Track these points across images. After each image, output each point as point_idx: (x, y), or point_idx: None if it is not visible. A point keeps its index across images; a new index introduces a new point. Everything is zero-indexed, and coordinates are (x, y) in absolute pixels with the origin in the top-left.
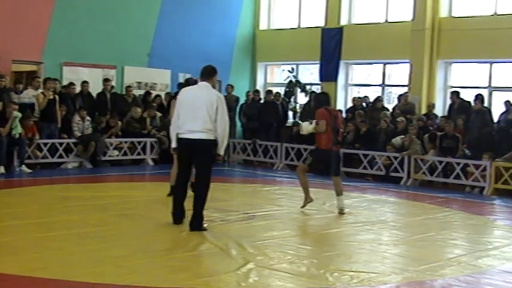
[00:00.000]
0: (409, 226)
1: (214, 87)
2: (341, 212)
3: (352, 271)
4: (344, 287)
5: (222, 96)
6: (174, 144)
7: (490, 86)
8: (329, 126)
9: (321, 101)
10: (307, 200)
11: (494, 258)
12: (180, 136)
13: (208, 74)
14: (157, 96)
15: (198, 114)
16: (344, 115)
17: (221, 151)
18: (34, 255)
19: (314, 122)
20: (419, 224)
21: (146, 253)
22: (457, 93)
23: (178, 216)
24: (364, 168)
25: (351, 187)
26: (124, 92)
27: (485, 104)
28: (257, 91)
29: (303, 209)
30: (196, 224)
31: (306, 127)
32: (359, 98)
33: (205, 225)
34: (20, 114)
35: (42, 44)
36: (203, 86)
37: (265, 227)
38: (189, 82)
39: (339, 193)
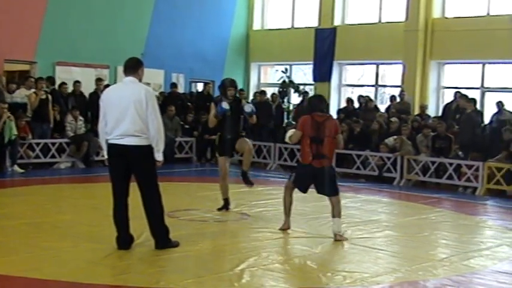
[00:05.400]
0: (402, 226)
1: (141, 80)
2: (336, 238)
3: (345, 271)
4: (337, 287)
5: (151, 91)
6: (106, 155)
7: (482, 86)
8: (307, 136)
9: (312, 106)
10: (285, 225)
11: (487, 258)
12: (110, 142)
13: (133, 66)
14: None
15: (126, 116)
16: (335, 116)
17: (159, 156)
18: (27, 255)
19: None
20: (412, 224)
21: (138, 253)
22: (461, 94)
23: (124, 241)
24: (358, 168)
25: (345, 187)
26: None
27: (478, 105)
28: (242, 90)
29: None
30: (162, 240)
31: (289, 135)
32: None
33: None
34: (12, 117)
35: (35, 43)
36: (128, 81)
37: (259, 227)
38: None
39: (334, 214)
